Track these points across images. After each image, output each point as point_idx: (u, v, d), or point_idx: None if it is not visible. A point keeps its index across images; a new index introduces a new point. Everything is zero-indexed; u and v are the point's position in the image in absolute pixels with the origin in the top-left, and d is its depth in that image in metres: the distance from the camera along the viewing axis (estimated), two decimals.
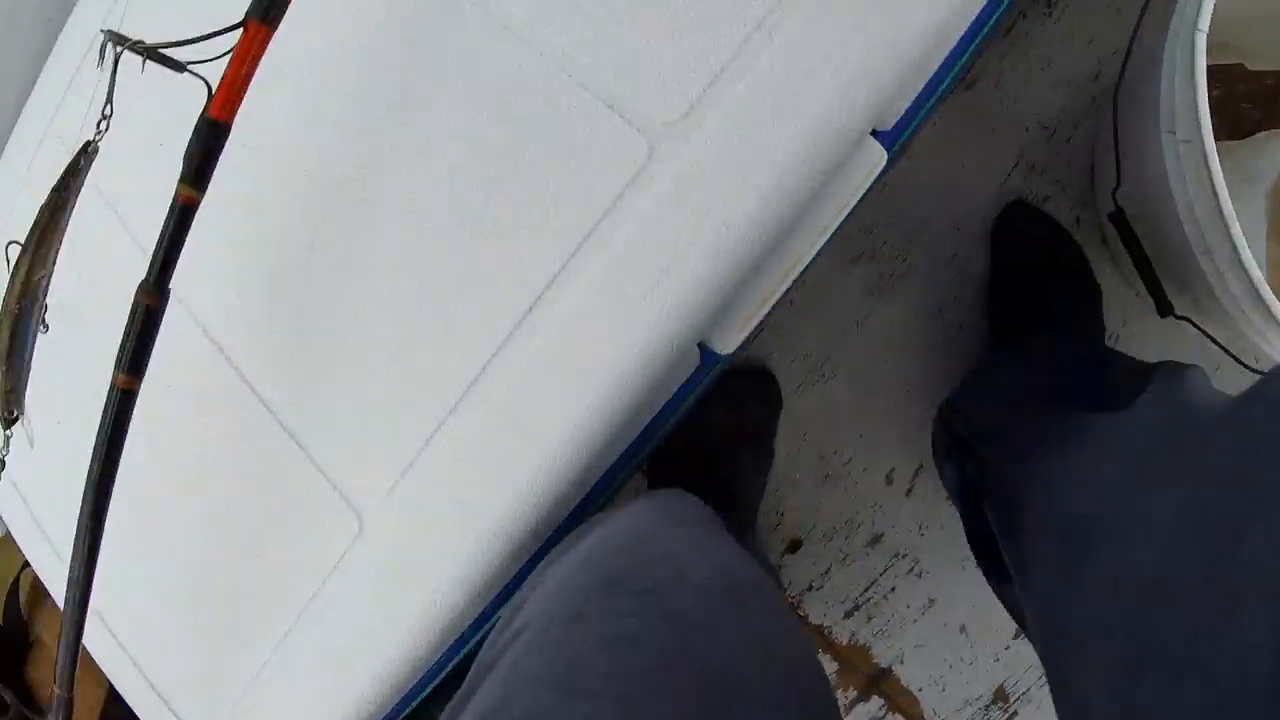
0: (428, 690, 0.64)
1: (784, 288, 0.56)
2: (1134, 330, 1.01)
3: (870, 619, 1.08)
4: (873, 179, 0.56)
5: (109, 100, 0.53)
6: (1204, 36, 0.69)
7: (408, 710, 0.64)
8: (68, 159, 0.58)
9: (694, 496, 0.59)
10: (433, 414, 0.58)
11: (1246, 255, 0.70)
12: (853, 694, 1.10)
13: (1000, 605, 1.03)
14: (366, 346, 0.60)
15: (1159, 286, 0.88)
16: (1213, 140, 0.69)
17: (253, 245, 0.64)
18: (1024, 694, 1.07)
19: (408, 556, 0.59)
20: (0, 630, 1.16)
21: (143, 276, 0.53)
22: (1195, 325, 0.84)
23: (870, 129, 0.54)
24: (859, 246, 1.01)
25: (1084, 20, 0.98)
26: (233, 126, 0.52)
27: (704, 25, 0.53)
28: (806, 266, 0.57)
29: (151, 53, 0.51)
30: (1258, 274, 0.71)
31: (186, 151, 0.52)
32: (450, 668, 0.63)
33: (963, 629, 1.07)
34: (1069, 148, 0.99)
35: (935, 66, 0.55)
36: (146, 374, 0.60)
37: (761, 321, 0.58)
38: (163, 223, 0.53)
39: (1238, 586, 0.39)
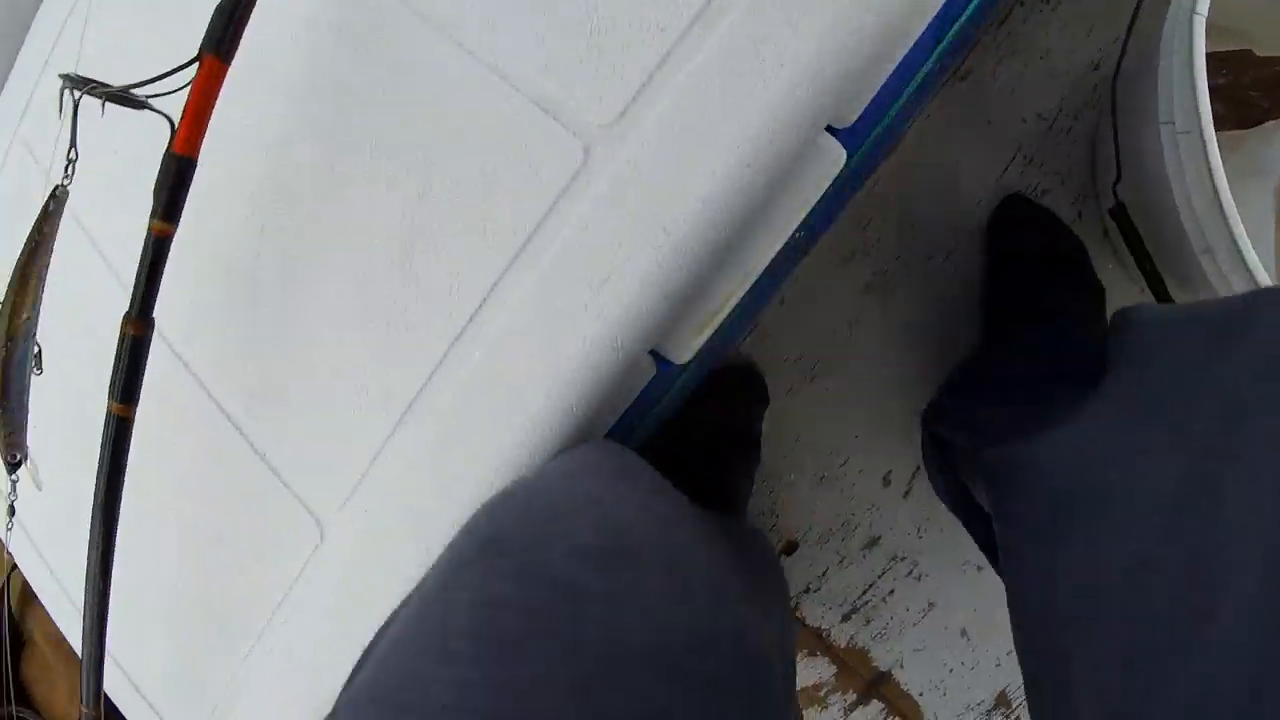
0: None
1: (740, 294, 0.54)
2: None
3: (869, 622, 1.07)
4: (831, 179, 0.54)
5: (73, 144, 0.54)
6: (1203, 21, 0.66)
7: None
8: (39, 177, 0.59)
9: (622, 448, 0.55)
10: (382, 425, 0.57)
11: (1251, 257, 0.67)
12: (852, 697, 1.09)
13: (1004, 608, 1.01)
14: (317, 358, 0.60)
15: (1161, 282, 0.86)
16: (1213, 132, 0.66)
17: (204, 258, 0.64)
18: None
19: (365, 563, 0.59)
20: None
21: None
22: None
23: (824, 125, 0.51)
24: (852, 244, 0.99)
25: (1083, 8, 0.95)
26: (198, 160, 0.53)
27: (638, 17, 0.51)
28: (774, 270, 0.55)
29: (112, 95, 0.52)
30: (1264, 276, 0.68)
31: (155, 186, 0.53)
32: None
33: (963, 633, 1.05)
34: (1068, 139, 0.97)
35: (899, 56, 0.52)
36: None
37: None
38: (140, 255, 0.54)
39: (1218, 566, 0.38)
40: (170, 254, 0.61)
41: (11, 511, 0.66)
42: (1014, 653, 1.03)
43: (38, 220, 0.57)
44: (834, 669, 1.07)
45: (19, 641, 1.16)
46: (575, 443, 0.54)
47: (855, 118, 0.53)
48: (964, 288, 1.00)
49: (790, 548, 1.05)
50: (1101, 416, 0.57)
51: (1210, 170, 0.66)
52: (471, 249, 0.54)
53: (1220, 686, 0.36)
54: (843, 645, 1.07)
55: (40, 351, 0.60)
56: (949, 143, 0.97)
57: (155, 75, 0.51)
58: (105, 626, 0.63)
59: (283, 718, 0.63)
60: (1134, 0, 0.80)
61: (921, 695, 1.08)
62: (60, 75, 0.53)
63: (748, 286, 0.54)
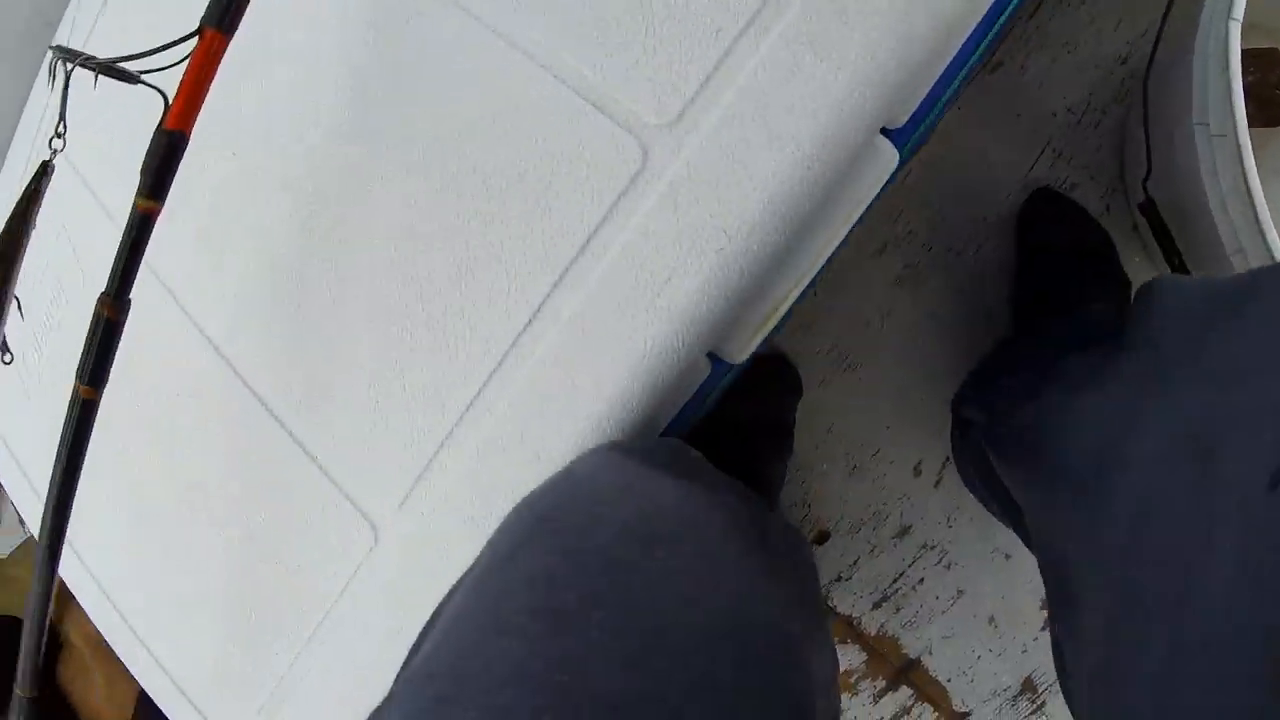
0: None
1: (796, 294, 0.55)
2: None
3: (899, 610, 1.08)
4: (885, 180, 0.55)
5: (61, 118, 0.53)
6: (1238, 26, 0.67)
7: None
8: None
9: (670, 441, 0.57)
10: (439, 426, 0.58)
11: None
12: (881, 684, 1.10)
13: (1030, 595, 1.03)
14: (366, 358, 0.61)
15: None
16: (1248, 138, 0.66)
17: (256, 261, 0.65)
18: (1052, 685, 1.06)
19: (421, 565, 0.60)
20: None
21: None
22: None
23: (880, 127, 0.52)
24: (883, 237, 1.00)
25: (1111, 2, 0.95)
26: (190, 137, 0.52)
27: (695, 19, 0.51)
28: (821, 269, 0.56)
29: (103, 68, 0.51)
30: None
31: (144, 164, 0.52)
32: None
33: (991, 620, 1.07)
34: (1097, 133, 0.97)
35: (951, 56, 0.53)
36: (158, 389, 0.62)
37: (783, 318, 0.57)
38: (122, 234, 0.53)
39: (1212, 516, 0.40)
40: (214, 251, 0.61)
41: None
42: (1039, 639, 1.05)
43: (22, 196, 0.56)
44: (864, 656, 1.09)
45: (56, 644, 1.18)
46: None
47: (907, 118, 0.54)
48: (994, 280, 1.01)
49: (822, 537, 1.06)
50: (1110, 385, 0.59)
51: (1245, 174, 0.66)
52: (530, 249, 0.55)
53: (1212, 631, 0.38)
54: (873, 633, 1.09)
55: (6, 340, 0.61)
56: (979, 136, 0.98)
57: (150, 49, 0.50)
58: (48, 608, 0.63)
59: (333, 718, 0.64)
60: None
61: (949, 681, 1.09)
62: (51, 47, 0.53)
63: (803, 287, 0.55)
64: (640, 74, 0.53)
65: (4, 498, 1.45)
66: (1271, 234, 0.66)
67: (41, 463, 0.64)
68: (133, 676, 0.74)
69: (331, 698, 0.64)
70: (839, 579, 1.08)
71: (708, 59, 0.52)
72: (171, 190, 0.54)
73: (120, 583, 0.75)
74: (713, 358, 0.56)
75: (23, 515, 0.80)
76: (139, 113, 0.52)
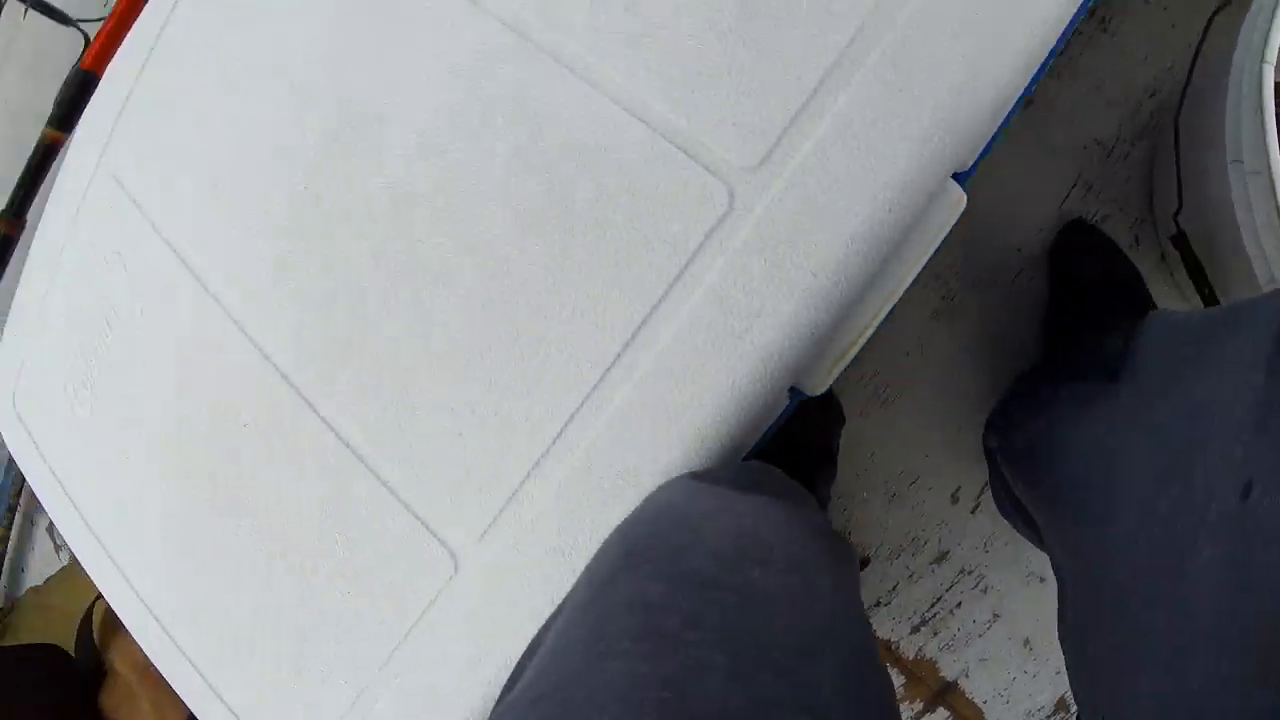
0: None
1: (872, 331, 0.57)
2: None
3: (937, 633, 1.10)
4: (953, 223, 0.57)
5: None
6: (1272, 69, 0.69)
7: None
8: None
9: (759, 463, 0.60)
10: (525, 456, 0.59)
11: None
12: (919, 706, 1.12)
13: None
14: (454, 388, 0.61)
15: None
16: None
17: (330, 285, 0.65)
18: None
19: (505, 595, 0.60)
20: (75, 661, 1.20)
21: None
22: None
23: (952, 172, 0.55)
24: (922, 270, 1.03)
25: (1139, 36, 0.99)
26: (103, 77, 0.57)
27: (776, 65, 0.54)
28: (895, 306, 0.59)
29: (35, 4, 0.58)
30: None
31: (57, 98, 0.58)
32: None
33: (1026, 642, 1.09)
34: (1126, 165, 1.00)
35: (1017, 97, 0.55)
36: (226, 416, 0.66)
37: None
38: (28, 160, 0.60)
39: (1198, 526, 0.43)
40: (298, 283, 0.63)
41: None
42: None
43: None
44: (903, 679, 1.10)
45: (100, 672, 1.19)
46: None
47: (973, 162, 0.57)
48: (1028, 313, 1.03)
49: (863, 563, 1.08)
50: (1100, 413, 0.65)
51: (1279, 209, 0.69)
52: (621, 286, 0.56)
53: (1195, 624, 0.41)
54: (911, 656, 1.10)
55: None
56: (1013, 170, 1.01)
57: None
58: None
59: None
60: (1190, 28, 0.83)
61: (985, 703, 1.11)
62: None
63: (879, 323, 0.58)
64: (726, 118, 0.55)
65: (37, 529, 1.46)
66: None
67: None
68: (181, 702, 0.74)
69: None
70: (878, 604, 1.10)
71: (791, 104, 0.54)
72: (246, 218, 0.59)
73: (179, 615, 0.74)
74: (793, 391, 0.58)
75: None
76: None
